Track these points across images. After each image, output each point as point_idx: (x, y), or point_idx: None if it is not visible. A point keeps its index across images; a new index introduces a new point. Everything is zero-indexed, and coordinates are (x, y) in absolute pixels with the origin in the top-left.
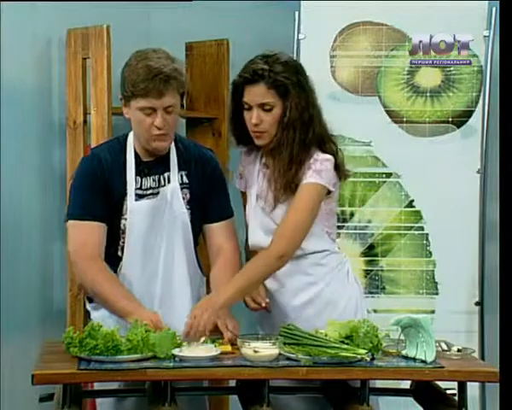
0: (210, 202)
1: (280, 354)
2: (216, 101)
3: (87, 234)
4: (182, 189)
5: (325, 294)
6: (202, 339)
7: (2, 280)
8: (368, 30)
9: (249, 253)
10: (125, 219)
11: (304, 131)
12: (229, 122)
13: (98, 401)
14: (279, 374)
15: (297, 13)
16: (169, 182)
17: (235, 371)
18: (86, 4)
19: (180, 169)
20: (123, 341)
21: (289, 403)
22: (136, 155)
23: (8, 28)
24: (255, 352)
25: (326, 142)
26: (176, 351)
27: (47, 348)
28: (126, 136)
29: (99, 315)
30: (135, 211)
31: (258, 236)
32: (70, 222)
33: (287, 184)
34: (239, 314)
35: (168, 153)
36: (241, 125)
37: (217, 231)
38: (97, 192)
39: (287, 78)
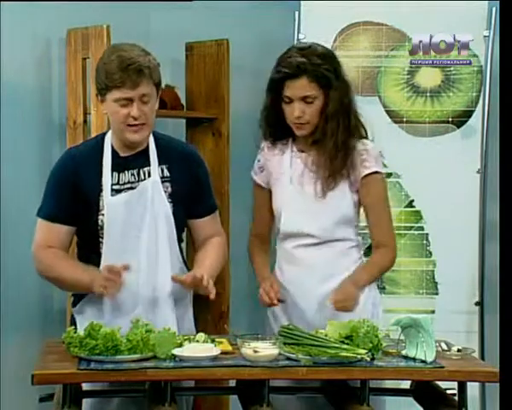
0: (196, 198)
1: (280, 354)
2: (216, 101)
3: (48, 235)
4: (163, 182)
5: None
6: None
7: (2, 280)
8: (368, 30)
9: (254, 241)
10: (103, 215)
11: (346, 119)
12: (264, 117)
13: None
14: (279, 374)
15: (297, 13)
16: (149, 176)
17: (235, 371)
18: (86, 4)
19: (161, 163)
20: (123, 341)
21: (289, 403)
22: (114, 151)
23: (8, 28)
24: (255, 352)
25: (363, 129)
26: (176, 351)
27: (47, 348)
28: (105, 134)
29: (84, 317)
30: (111, 206)
31: (297, 220)
32: (38, 219)
33: (336, 172)
34: (239, 314)
35: (147, 147)
36: (277, 119)
37: (204, 225)
38: (66, 194)
39: (327, 69)
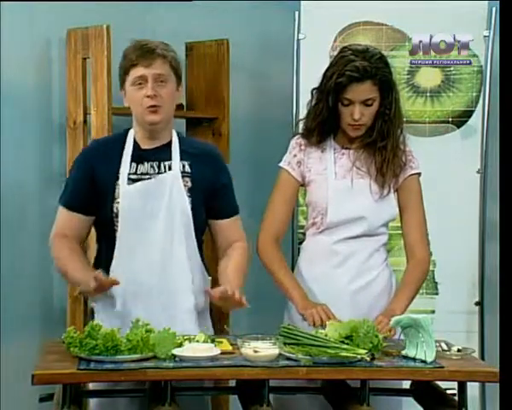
0: (219, 197)
1: (280, 354)
2: (216, 101)
3: (66, 223)
4: (183, 177)
5: (377, 284)
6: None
7: (2, 280)
8: (368, 30)
9: (272, 251)
10: (118, 203)
11: (402, 120)
12: (321, 119)
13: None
14: (279, 374)
15: (297, 13)
16: (170, 169)
17: (235, 371)
18: (86, 4)
19: (182, 159)
20: (123, 341)
21: (289, 403)
22: (135, 143)
23: (8, 28)
24: (255, 352)
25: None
26: (176, 351)
27: (47, 348)
28: (129, 128)
29: (99, 305)
30: (126, 194)
31: (346, 209)
32: (59, 207)
33: (396, 171)
34: (239, 314)
35: (170, 142)
36: (333, 120)
37: (227, 228)
38: (84, 183)
39: (388, 73)
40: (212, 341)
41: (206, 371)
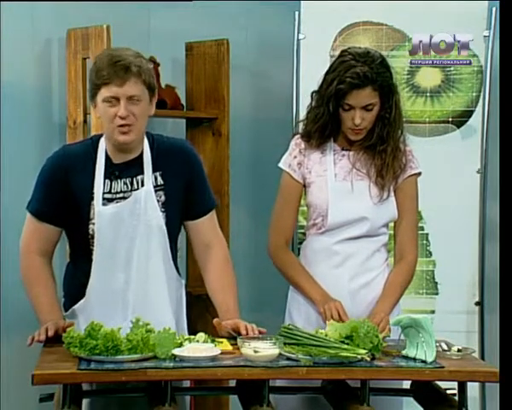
0: (192, 195)
1: (280, 354)
2: (216, 101)
3: (36, 232)
4: (156, 191)
5: (377, 283)
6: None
7: (2, 280)
8: (368, 30)
9: (284, 251)
10: (93, 224)
11: (402, 123)
12: (321, 124)
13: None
14: (279, 374)
15: (297, 13)
16: (142, 185)
17: (235, 371)
18: (86, 4)
19: (154, 170)
20: (123, 341)
21: (289, 403)
22: (107, 157)
23: (8, 28)
24: (255, 352)
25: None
26: (176, 351)
27: (47, 348)
28: (100, 137)
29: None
30: (102, 216)
31: (347, 210)
32: (27, 213)
33: (396, 173)
34: (239, 314)
35: (141, 154)
36: (334, 125)
37: (203, 227)
38: (56, 193)
39: (389, 77)
40: (212, 341)
41: (206, 371)
